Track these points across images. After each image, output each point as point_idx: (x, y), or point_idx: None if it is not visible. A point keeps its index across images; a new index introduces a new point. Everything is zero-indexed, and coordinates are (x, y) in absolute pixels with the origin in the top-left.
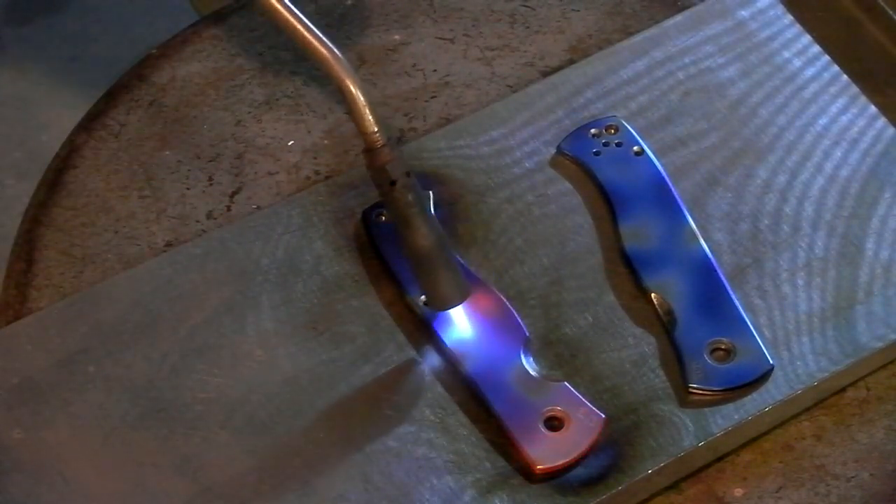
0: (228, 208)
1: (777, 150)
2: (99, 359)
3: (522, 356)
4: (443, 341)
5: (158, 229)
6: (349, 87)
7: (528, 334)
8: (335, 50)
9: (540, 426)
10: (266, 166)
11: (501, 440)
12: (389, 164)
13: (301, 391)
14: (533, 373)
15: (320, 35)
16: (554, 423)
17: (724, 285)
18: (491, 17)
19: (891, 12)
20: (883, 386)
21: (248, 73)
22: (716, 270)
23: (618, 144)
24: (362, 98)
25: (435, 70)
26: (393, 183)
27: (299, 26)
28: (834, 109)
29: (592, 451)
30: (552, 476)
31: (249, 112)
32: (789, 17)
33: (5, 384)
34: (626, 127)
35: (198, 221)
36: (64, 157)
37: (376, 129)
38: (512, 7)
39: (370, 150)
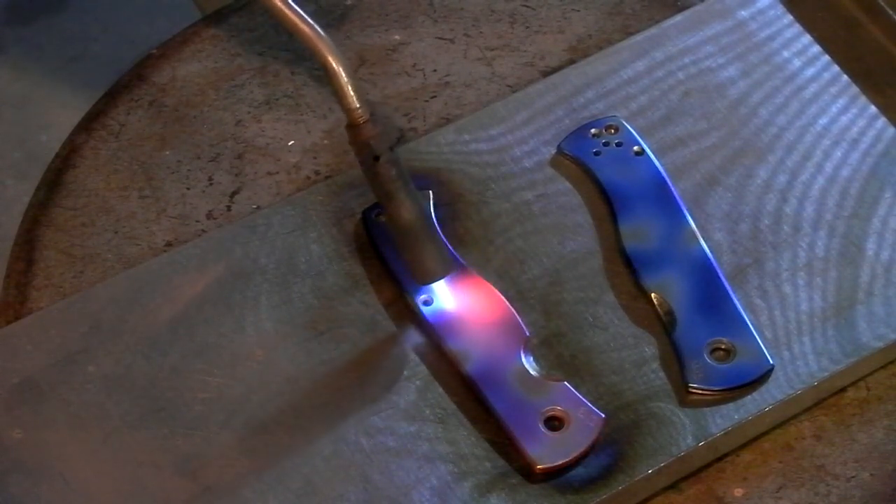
0: (228, 208)
1: (777, 150)
2: (99, 359)
3: (522, 356)
4: (443, 341)
5: (158, 229)
6: (331, 64)
7: (528, 334)
8: (317, 27)
9: (540, 426)
10: (266, 166)
11: (501, 440)
12: (373, 139)
13: (301, 391)
14: (533, 373)
15: (302, 13)
16: (554, 423)
17: (724, 285)
18: (491, 17)
19: (891, 12)
20: (883, 386)
21: (248, 73)
22: (716, 270)
23: (618, 144)
24: (345, 74)
25: (435, 70)
26: (376, 158)
27: (281, 5)
28: (834, 109)
29: (592, 450)
30: (552, 476)
31: (249, 112)
32: (789, 17)
33: (5, 384)
34: (626, 127)
35: (198, 221)
36: (64, 157)
37: (359, 105)
38: (512, 7)
39: (353, 126)
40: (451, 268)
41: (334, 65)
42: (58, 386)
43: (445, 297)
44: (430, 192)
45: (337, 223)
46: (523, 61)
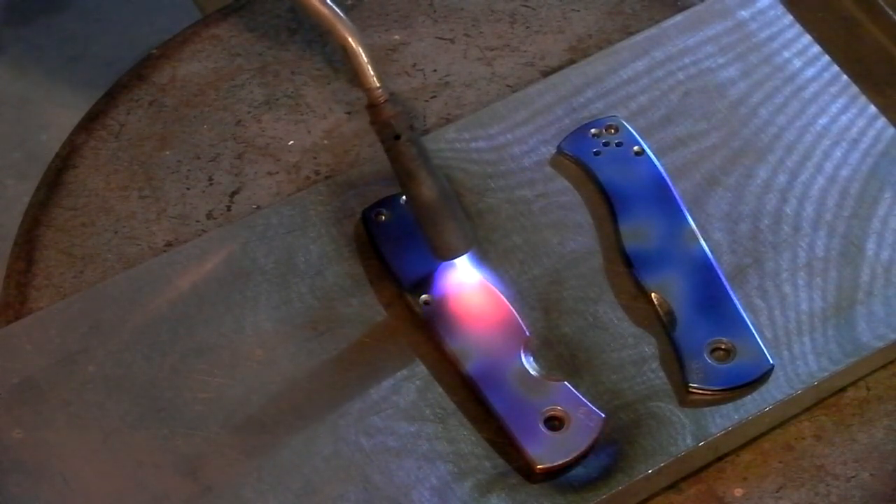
0: (228, 208)
1: (777, 150)
2: (99, 359)
3: (522, 356)
4: (443, 341)
5: (158, 229)
6: (351, 45)
7: (528, 334)
8: (336, 8)
9: (540, 426)
10: (266, 166)
11: (501, 440)
12: (393, 118)
13: (301, 391)
14: (533, 372)
15: None
16: (554, 423)
17: (724, 285)
18: (491, 17)
19: (891, 12)
20: (883, 386)
21: (248, 73)
22: (716, 270)
23: (618, 144)
24: (364, 55)
25: (435, 70)
26: (397, 137)
27: None
28: (834, 109)
29: (592, 450)
30: (552, 475)
31: (249, 112)
32: (789, 17)
33: (5, 384)
34: (626, 127)
35: (198, 221)
36: (64, 157)
37: (379, 85)
38: (512, 7)
39: (374, 106)
40: (473, 243)
41: (354, 45)
42: (58, 386)
43: (445, 297)
44: None
45: (337, 223)
46: (523, 61)
